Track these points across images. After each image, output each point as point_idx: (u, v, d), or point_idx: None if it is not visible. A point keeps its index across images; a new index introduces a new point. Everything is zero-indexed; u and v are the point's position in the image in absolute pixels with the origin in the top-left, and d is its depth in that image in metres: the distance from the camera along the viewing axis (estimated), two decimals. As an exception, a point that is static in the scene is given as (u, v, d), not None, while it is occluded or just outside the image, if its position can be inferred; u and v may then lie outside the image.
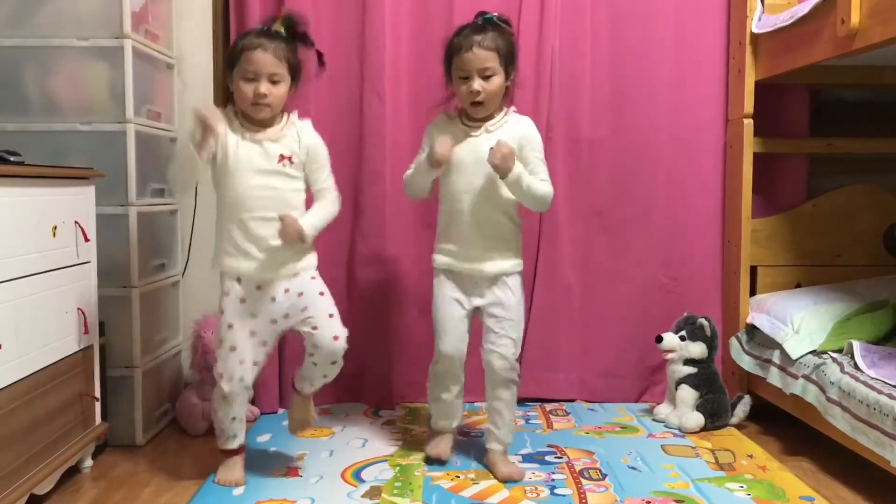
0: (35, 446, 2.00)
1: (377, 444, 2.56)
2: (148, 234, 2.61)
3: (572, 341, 3.01)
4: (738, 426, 2.74)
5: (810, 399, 2.34)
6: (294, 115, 2.20)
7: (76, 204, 2.23)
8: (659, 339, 2.77)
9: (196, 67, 2.91)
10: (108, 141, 2.47)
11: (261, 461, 2.38)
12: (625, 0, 2.94)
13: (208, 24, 2.92)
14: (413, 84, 2.92)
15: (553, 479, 2.26)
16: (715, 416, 2.70)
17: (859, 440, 2.11)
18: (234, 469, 2.24)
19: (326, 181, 2.22)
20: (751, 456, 2.46)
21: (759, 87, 2.81)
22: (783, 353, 2.54)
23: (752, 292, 2.91)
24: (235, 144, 2.13)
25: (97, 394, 2.35)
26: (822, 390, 2.29)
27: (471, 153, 2.24)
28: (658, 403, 2.88)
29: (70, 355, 2.18)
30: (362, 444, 2.57)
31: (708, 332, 2.76)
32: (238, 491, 2.18)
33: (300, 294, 2.19)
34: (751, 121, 2.81)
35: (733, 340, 2.84)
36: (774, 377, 2.57)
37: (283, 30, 2.15)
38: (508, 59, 2.23)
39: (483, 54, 2.18)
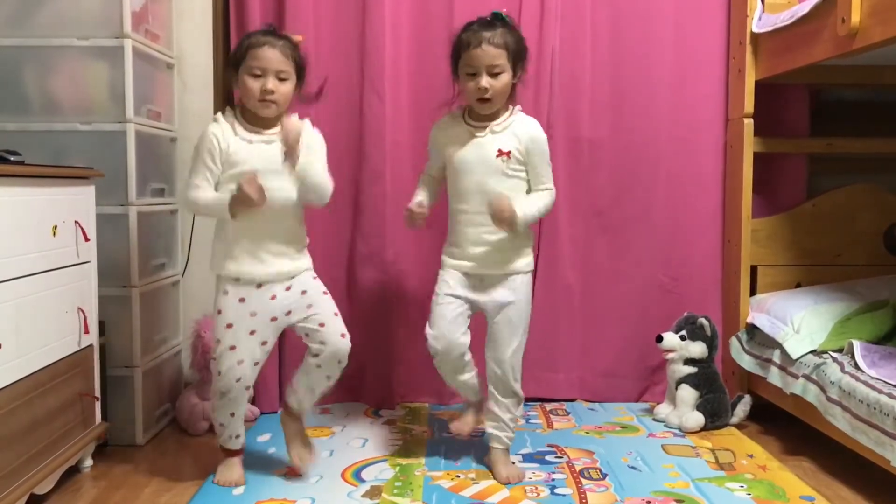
0: (35, 446, 2.00)
1: (377, 443, 2.56)
2: (148, 233, 2.61)
3: (572, 341, 3.01)
4: (739, 426, 2.74)
5: (810, 399, 2.34)
6: (295, 116, 2.20)
7: (76, 204, 2.23)
8: (659, 339, 2.77)
9: (196, 67, 2.91)
10: (109, 141, 2.47)
11: (261, 461, 2.38)
12: (625, 0, 2.94)
13: (208, 24, 2.92)
14: (413, 84, 2.91)
15: (553, 479, 2.26)
16: (715, 415, 2.70)
17: (860, 440, 2.11)
18: (233, 469, 2.24)
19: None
20: (751, 455, 2.46)
21: (760, 86, 2.81)
22: (783, 352, 2.53)
23: (753, 292, 2.91)
24: (245, 148, 2.11)
25: (97, 393, 2.35)
26: (823, 390, 2.29)
27: (476, 153, 2.24)
28: (658, 403, 2.88)
29: (70, 355, 2.18)
30: (362, 443, 2.57)
31: (708, 332, 2.76)
32: (238, 491, 2.18)
33: (303, 292, 2.19)
34: (751, 120, 2.81)
35: (733, 340, 2.84)
36: (775, 377, 2.57)
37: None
38: (517, 57, 2.22)
39: (492, 51, 2.17)
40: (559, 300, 2.98)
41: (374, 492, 2.17)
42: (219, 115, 2.17)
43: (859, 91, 3.08)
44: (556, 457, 2.44)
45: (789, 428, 2.64)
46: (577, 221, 2.98)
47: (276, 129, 2.15)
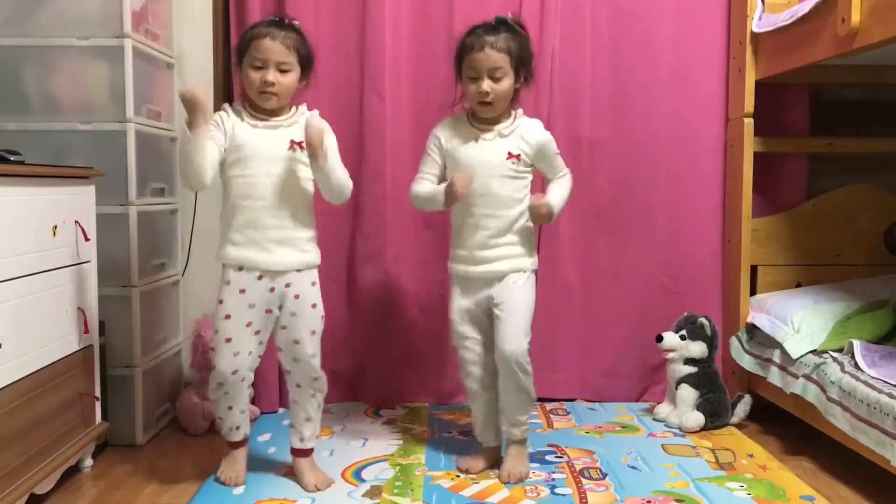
0: (35, 446, 2.00)
1: (377, 443, 2.56)
2: (148, 233, 2.61)
3: (572, 341, 3.01)
4: (739, 425, 2.74)
5: (811, 398, 2.34)
6: (303, 107, 2.20)
7: (76, 203, 2.23)
8: (659, 339, 2.77)
9: (196, 67, 2.91)
10: (109, 140, 2.47)
11: (261, 461, 2.38)
12: (625, 0, 2.94)
13: (208, 24, 2.92)
14: (413, 84, 2.92)
15: (553, 479, 2.26)
16: (715, 415, 2.70)
17: (860, 440, 2.11)
18: (236, 463, 2.23)
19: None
20: (751, 455, 2.46)
21: (760, 86, 2.81)
22: (783, 352, 2.53)
23: (753, 292, 2.91)
24: (249, 131, 2.13)
25: (97, 393, 2.35)
26: (823, 390, 2.29)
27: (483, 156, 2.24)
28: (658, 403, 2.88)
29: (70, 355, 2.18)
30: (362, 443, 2.57)
31: (708, 332, 2.76)
32: (238, 491, 2.17)
33: (297, 296, 2.17)
34: (751, 120, 2.81)
35: (733, 340, 2.84)
36: (775, 376, 2.57)
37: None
38: (520, 62, 2.21)
39: (494, 55, 2.17)
40: (559, 300, 2.97)
41: (374, 491, 2.17)
42: (226, 105, 2.20)
43: (859, 91, 3.08)
44: (557, 456, 2.44)
45: (789, 428, 2.64)
46: (578, 221, 2.98)
47: (283, 117, 2.16)
